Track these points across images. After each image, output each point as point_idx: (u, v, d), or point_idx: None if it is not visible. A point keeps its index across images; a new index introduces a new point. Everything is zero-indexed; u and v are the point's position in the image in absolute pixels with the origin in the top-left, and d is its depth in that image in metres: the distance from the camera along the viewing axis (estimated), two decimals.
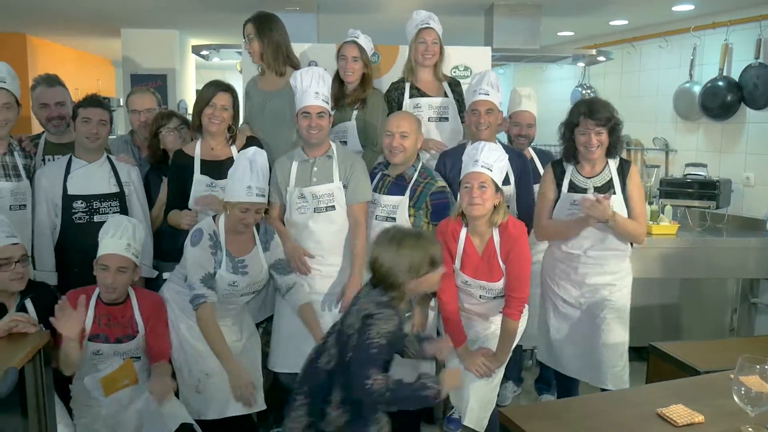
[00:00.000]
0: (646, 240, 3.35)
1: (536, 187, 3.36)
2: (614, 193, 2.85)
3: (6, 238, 2.51)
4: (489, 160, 2.58)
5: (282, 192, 2.93)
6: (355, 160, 2.97)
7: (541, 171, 3.52)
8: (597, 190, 2.87)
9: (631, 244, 2.98)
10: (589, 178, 2.91)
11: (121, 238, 2.59)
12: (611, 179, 2.89)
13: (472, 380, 2.66)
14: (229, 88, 2.98)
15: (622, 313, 2.96)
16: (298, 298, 2.85)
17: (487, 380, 2.68)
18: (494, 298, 2.72)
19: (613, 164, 2.90)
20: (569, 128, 2.89)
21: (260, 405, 2.80)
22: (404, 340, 2.31)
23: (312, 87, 2.81)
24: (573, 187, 2.93)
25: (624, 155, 3.15)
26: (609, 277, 2.94)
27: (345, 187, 2.89)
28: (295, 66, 3.30)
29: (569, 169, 2.96)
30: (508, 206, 2.86)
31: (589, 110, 2.79)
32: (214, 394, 2.72)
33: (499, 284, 2.67)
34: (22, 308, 2.54)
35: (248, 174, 2.58)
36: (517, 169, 3.13)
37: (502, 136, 3.73)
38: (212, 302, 2.63)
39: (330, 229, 2.90)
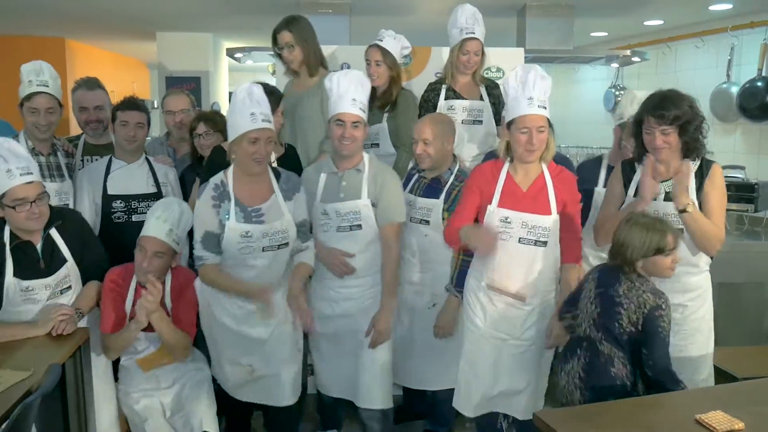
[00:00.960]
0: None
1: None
2: None
3: (20, 176, 2.35)
4: (543, 97, 2.42)
5: (309, 206, 2.72)
6: (387, 176, 2.72)
7: None
8: (667, 196, 2.50)
9: (711, 258, 2.55)
10: (662, 181, 2.50)
11: (166, 222, 2.56)
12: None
13: (525, 367, 2.58)
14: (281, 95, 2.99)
15: (695, 340, 2.52)
16: (306, 255, 2.67)
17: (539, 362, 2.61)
18: (535, 243, 2.50)
19: (692, 167, 2.50)
20: (637, 125, 2.52)
21: (290, 398, 2.67)
22: None
23: (349, 93, 2.59)
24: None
25: None
26: (679, 297, 2.49)
27: (374, 205, 2.66)
28: (325, 66, 3.30)
29: (639, 171, 2.57)
30: None
31: (653, 106, 2.42)
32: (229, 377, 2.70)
33: (546, 221, 2.49)
34: (47, 239, 2.50)
35: (248, 102, 2.40)
36: None
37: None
38: (212, 264, 2.53)
39: (352, 249, 2.68)
